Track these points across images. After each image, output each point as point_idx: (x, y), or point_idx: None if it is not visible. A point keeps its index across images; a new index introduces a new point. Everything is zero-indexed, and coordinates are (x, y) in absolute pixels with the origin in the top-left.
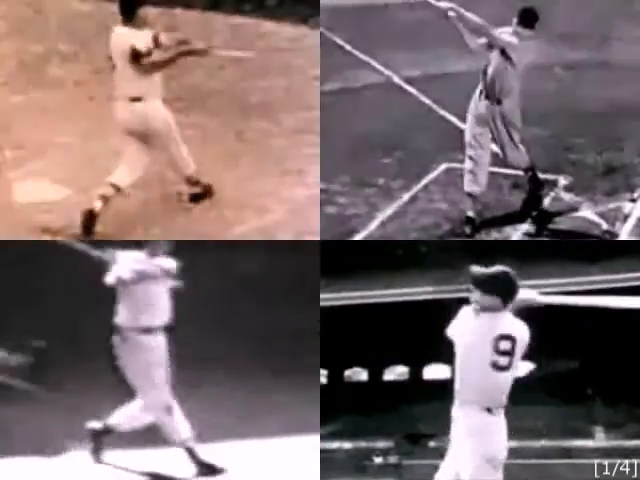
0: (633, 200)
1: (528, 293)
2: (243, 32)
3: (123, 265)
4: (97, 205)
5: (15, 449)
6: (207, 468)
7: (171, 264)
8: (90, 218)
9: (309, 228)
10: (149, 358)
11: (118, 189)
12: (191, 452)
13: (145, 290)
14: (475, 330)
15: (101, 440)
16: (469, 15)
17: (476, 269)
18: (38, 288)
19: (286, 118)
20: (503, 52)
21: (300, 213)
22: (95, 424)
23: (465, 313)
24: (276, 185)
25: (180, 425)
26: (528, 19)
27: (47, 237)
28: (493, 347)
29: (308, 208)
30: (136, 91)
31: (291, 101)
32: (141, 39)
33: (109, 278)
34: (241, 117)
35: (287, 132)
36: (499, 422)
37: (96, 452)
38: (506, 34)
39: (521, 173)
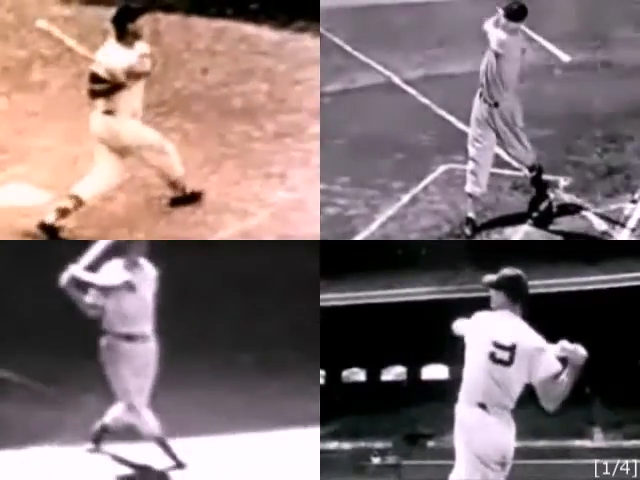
0: (634, 201)
1: (576, 348)
2: (225, 36)
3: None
4: (50, 218)
5: (17, 443)
6: (176, 462)
7: (148, 272)
8: (47, 231)
9: (292, 232)
10: (125, 365)
11: (80, 201)
12: (164, 445)
13: (128, 297)
14: (480, 324)
15: (101, 438)
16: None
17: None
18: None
19: (268, 122)
20: (497, 55)
21: (282, 217)
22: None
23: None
24: (258, 189)
25: (149, 424)
26: (515, 13)
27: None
28: (493, 340)
29: (290, 212)
30: (108, 105)
31: (273, 105)
32: (110, 64)
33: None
34: (224, 121)
35: (269, 136)
36: (497, 422)
37: (95, 449)
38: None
39: (521, 174)
